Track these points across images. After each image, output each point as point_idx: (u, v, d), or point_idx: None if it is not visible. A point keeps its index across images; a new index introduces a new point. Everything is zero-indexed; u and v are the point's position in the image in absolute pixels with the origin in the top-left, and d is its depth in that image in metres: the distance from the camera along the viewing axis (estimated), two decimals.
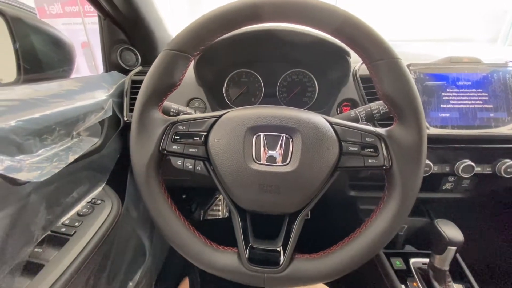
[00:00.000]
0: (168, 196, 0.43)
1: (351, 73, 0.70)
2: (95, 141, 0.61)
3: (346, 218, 1.04)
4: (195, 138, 0.42)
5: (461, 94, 0.62)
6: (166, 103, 0.54)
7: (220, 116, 0.43)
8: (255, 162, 0.40)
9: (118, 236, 0.69)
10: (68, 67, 0.72)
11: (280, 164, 0.40)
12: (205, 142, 0.42)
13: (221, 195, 1.46)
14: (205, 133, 0.42)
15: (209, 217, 1.37)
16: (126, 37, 0.77)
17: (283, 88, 0.81)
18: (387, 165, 0.40)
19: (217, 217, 1.38)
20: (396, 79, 0.38)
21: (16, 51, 0.59)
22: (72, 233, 0.54)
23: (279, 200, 0.40)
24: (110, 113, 0.65)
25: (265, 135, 0.40)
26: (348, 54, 0.65)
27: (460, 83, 0.63)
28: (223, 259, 0.41)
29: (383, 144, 0.40)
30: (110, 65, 0.77)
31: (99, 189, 0.66)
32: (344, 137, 0.41)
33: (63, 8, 2.18)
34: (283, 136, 0.40)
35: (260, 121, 0.40)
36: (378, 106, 0.52)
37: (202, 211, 1.37)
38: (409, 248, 0.84)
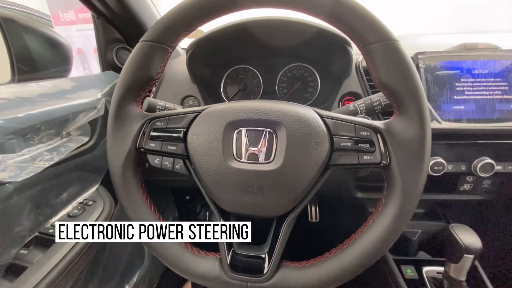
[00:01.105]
0: (147, 196, 0.41)
1: (353, 65, 0.65)
2: (85, 140, 0.60)
3: (354, 221, 0.98)
4: (174, 135, 0.39)
5: (477, 84, 0.56)
6: (151, 99, 0.52)
7: (201, 111, 0.40)
8: (236, 160, 0.36)
9: None
10: (64, 67, 0.72)
11: (263, 162, 0.36)
12: (184, 139, 0.39)
13: None
14: (184, 129, 0.39)
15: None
16: (121, 35, 0.76)
17: (283, 84, 0.77)
18: (384, 162, 0.35)
19: None
20: (394, 64, 0.33)
21: (9, 52, 0.59)
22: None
23: (263, 201, 0.36)
24: (102, 112, 0.63)
25: (246, 130, 0.37)
26: (348, 43, 0.60)
27: (476, 71, 0.56)
28: (203, 266, 0.38)
29: (380, 139, 0.35)
30: (106, 64, 0.76)
31: (92, 189, 0.65)
32: (336, 131, 0.36)
33: (76, 15, 2.25)
34: (266, 131, 0.36)
35: (241, 115, 0.37)
36: (378, 97, 0.47)
37: (207, 213, 1.34)
38: (422, 255, 0.77)
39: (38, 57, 0.67)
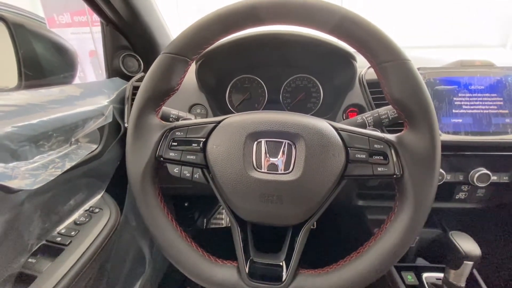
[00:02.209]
0: (164, 205, 0.41)
1: (357, 78, 0.68)
2: (94, 147, 0.60)
3: (353, 228, 1.00)
4: (193, 145, 0.40)
5: (474, 98, 0.59)
6: (165, 108, 0.53)
7: (220, 121, 0.41)
8: (256, 170, 0.38)
9: (116, 246, 0.66)
10: (70, 73, 0.71)
11: (283, 172, 0.37)
12: (204, 149, 0.40)
13: None
14: (203, 139, 0.40)
15: (212, 226, 1.34)
16: (128, 43, 0.76)
17: (287, 94, 0.79)
18: (398, 173, 0.37)
19: (221, 226, 1.35)
20: (406, 81, 0.36)
21: (17, 57, 0.59)
22: (67, 243, 0.52)
23: (282, 210, 0.37)
24: (110, 119, 0.63)
25: (266, 141, 0.38)
26: (353, 58, 0.63)
27: (472, 87, 0.60)
28: (221, 274, 0.39)
29: (393, 151, 0.37)
30: (113, 71, 0.76)
31: (98, 196, 0.64)
32: (351, 143, 0.38)
33: (72, 18, 2.23)
34: (285, 143, 0.38)
35: (261, 126, 0.38)
36: (386, 111, 0.49)
37: (205, 220, 1.34)
38: (421, 262, 0.79)
39: (45, 62, 0.67)
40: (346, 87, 0.68)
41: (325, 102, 0.76)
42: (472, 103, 0.59)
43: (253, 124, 0.38)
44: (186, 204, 1.15)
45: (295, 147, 0.38)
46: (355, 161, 0.38)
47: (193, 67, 0.69)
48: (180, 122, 0.42)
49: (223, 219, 1.35)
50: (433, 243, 0.81)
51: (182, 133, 0.41)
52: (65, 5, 2.12)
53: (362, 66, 0.67)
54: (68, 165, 0.50)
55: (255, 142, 0.38)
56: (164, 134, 0.41)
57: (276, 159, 0.38)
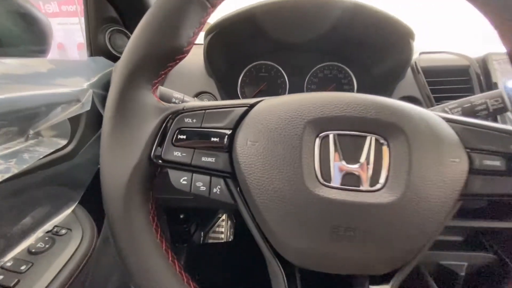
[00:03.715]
0: (162, 238, 0.25)
1: (409, 65, 0.54)
2: (62, 144, 0.44)
3: None
4: (213, 139, 0.25)
5: None
6: (164, 89, 0.37)
7: (255, 104, 0.26)
8: (323, 184, 0.22)
9: (90, 278, 0.49)
10: (39, 48, 0.55)
11: (369, 189, 0.22)
12: (230, 146, 0.24)
13: (225, 215, 1.27)
14: (230, 131, 0.25)
15: (210, 241, 1.17)
16: (117, 14, 0.61)
17: (312, 86, 0.65)
18: None
19: (220, 241, 1.18)
20: None
21: None
22: (11, 285, 0.35)
23: (363, 253, 0.22)
24: (87, 108, 0.47)
25: (337, 135, 0.23)
26: (413, 36, 0.49)
27: None
28: None
29: None
30: (96, 49, 0.60)
31: (67, 212, 0.47)
32: (474, 143, 0.23)
33: (59, 7, 2.05)
34: (371, 139, 0.23)
35: (330, 109, 0.23)
36: (484, 100, 0.35)
37: (202, 233, 1.17)
38: None
39: (5, 30, 0.51)
40: (394, 76, 0.54)
41: None
42: None
43: (315, 106, 0.23)
44: (181, 217, 0.98)
45: (389, 147, 0.22)
46: (483, 171, 0.23)
47: (200, 48, 0.54)
48: (192, 103, 0.26)
49: (223, 232, 1.18)
50: (486, 270, 0.67)
51: (195, 120, 0.25)
52: None
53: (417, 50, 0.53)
54: (15, 169, 0.34)
55: (319, 137, 0.23)
56: (165, 122, 0.25)
57: (356, 166, 0.22)
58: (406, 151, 0.22)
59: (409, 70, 0.54)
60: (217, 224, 1.20)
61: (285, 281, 0.25)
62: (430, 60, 0.54)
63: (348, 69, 0.64)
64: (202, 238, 1.16)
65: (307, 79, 0.65)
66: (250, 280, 0.87)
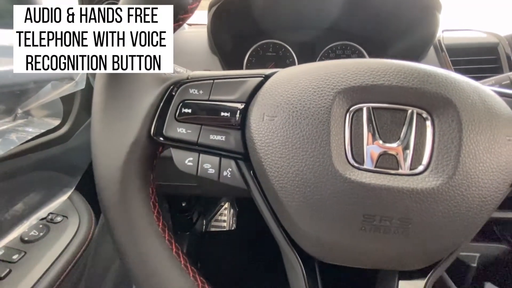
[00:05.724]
0: (164, 227, 0.22)
1: (433, 42, 0.49)
2: (53, 124, 0.40)
3: None
4: (223, 114, 0.21)
5: None
6: None
7: (270, 74, 0.22)
8: (353, 166, 0.19)
9: (89, 267, 0.47)
10: None
11: (409, 172, 0.18)
12: (243, 123, 0.21)
13: (227, 203, 1.25)
14: (242, 105, 0.21)
15: (213, 229, 1.15)
16: None
17: None
18: None
19: (222, 229, 1.16)
20: None
21: None
22: (2, 275, 0.32)
23: (402, 247, 0.19)
24: (82, 86, 0.43)
25: (373, 108, 0.19)
26: (438, 7, 0.44)
27: None
28: None
29: None
30: None
31: (63, 198, 0.45)
32: None
33: None
34: (412, 112, 0.19)
35: (364, 78, 0.19)
36: None
37: (204, 221, 1.15)
38: (489, 286, 0.63)
39: None
40: (415, 55, 0.50)
41: None
42: None
43: (346, 74, 0.19)
44: (183, 205, 0.96)
45: (433, 123, 0.19)
46: None
47: (203, 27, 0.50)
48: (198, 72, 0.23)
49: (225, 221, 1.16)
50: (498, 261, 0.65)
51: (202, 92, 0.22)
52: None
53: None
54: (2, 150, 0.30)
55: (350, 111, 0.19)
56: (167, 92, 0.22)
57: (394, 145, 0.19)
58: (455, 127, 0.18)
59: (431, 49, 0.50)
60: (219, 212, 1.18)
61: (305, 276, 0.22)
62: (454, 38, 0.49)
63: (362, 49, 0.59)
64: (204, 227, 1.14)
65: (317, 59, 0.61)
66: (253, 269, 0.86)
